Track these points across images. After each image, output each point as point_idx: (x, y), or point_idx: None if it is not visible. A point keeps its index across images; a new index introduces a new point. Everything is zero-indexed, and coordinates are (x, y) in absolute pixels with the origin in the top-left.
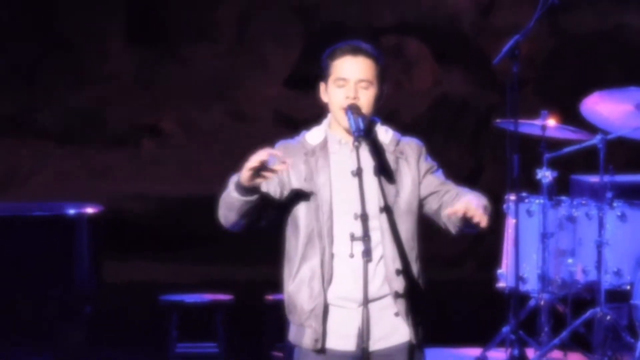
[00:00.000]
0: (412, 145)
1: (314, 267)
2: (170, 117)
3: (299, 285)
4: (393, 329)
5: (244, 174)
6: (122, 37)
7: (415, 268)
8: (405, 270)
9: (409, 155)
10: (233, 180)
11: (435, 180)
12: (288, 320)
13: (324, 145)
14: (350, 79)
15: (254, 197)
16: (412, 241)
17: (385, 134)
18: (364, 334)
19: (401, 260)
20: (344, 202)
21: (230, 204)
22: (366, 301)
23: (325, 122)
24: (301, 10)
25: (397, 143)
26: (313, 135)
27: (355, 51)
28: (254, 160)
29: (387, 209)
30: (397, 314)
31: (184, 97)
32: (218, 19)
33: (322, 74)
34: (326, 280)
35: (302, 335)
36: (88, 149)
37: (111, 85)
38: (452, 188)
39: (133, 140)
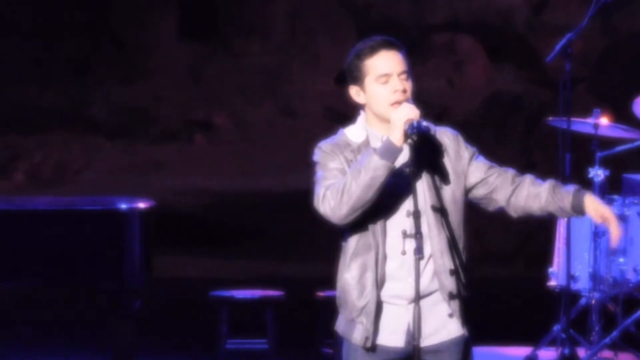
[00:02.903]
0: (448, 135)
1: (366, 264)
2: (221, 112)
3: (350, 280)
4: (442, 324)
5: (397, 133)
6: (174, 31)
7: (464, 262)
8: (457, 271)
9: (448, 146)
10: (370, 155)
11: (481, 166)
12: (338, 311)
13: (367, 143)
14: (392, 72)
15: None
16: (459, 230)
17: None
18: (414, 331)
19: (452, 258)
20: (394, 200)
21: (373, 179)
22: (418, 298)
23: (361, 120)
24: (353, 6)
25: (434, 133)
26: (354, 133)
27: (387, 45)
28: (405, 117)
29: (435, 205)
30: (451, 315)
31: (235, 92)
32: (270, 14)
33: (351, 77)
34: (379, 277)
35: (352, 330)
36: (139, 143)
37: (163, 80)
38: (499, 171)
39: (184, 135)
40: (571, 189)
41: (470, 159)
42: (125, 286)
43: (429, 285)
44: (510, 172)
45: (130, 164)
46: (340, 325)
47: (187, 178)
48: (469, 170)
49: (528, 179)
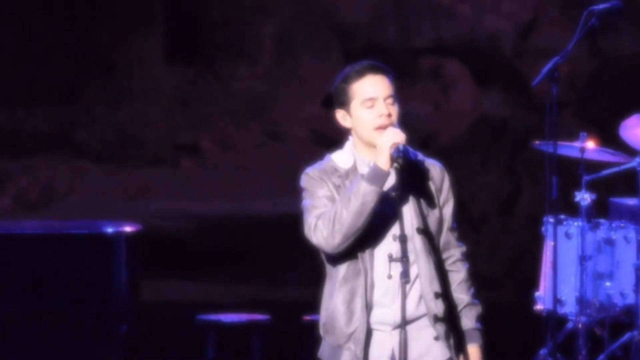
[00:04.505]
0: (436, 168)
1: (355, 290)
2: (208, 136)
3: (339, 306)
4: (427, 349)
5: (383, 158)
6: (161, 55)
7: (449, 289)
8: (443, 293)
9: (434, 177)
10: (358, 182)
11: (445, 221)
12: (322, 338)
13: (354, 168)
14: (378, 97)
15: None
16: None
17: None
18: (400, 356)
19: (439, 282)
20: (382, 224)
21: (363, 205)
22: (404, 323)
23: (349, 145)
24: (340, 30)
25: (422, 163)
26: (342, 159)
27: (374, 69)
28: (391, 141)
29: (422, 230)
30: (436, 338)
31: (222, 116)
32: (257, 37)
33: (338, 101)
34: (368, 303)
35: (338, 357)
36: (126, 167)
37: (149, 104)
38: (453, 243)
39: (171, 158)
40: (470, 324)
41: (446, 201)
42: (112, 310)
43: (415, 310)
44: (457, 253)
45: (117, 187)
46: (324, 352)
47: (174, 202)
48: (441, 211)
49: (462, 274)
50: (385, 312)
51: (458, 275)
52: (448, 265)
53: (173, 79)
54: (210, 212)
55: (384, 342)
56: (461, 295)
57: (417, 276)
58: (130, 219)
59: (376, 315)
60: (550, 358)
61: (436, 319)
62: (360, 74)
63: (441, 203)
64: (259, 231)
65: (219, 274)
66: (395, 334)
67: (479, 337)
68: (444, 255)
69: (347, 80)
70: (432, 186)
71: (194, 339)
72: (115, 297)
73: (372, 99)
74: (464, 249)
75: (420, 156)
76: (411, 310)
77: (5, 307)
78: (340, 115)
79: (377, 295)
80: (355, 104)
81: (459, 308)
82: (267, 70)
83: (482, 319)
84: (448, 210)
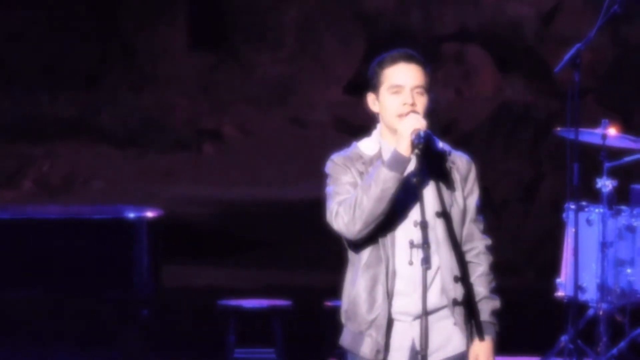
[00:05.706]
0: (462, 159)
1: (377, 277)
2: (231, 121)
3: (361, 292)
4: (448, 339)
5: (404, 144)
6: (184, 40)
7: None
8: (463, 278)
9: (459, 166)
10: (379, 168)
11: (470, 212)
12: (343, 325)
13: (379, 156)
14: (405, 85)
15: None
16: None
17: (437, 144)
18: (422, 346)
19: (459, 267)
20: (403, 210)
21: (383, 191)
22: (425, 311)
23: (376, 133)
24: (363, 17)
25: (449, 153)
26: (367, 146)
27: (408, 58)
28: (412, 127)
29: (443, 215)
30: (455, 324)
31: (245, 101)
32: (280, 24)
33: (370, 84)
34: (389, 291)
35: (360, 343)
36: (149, 152)
37: (172, 89)
38: (477, 235)
39: (194, 144)
40: (484, 316)
41: (470, 192)
42: (133, 295)
43: (435, 301)
44: (481, 245)
45: (139, 173)
46: (346, 339)
47: (196, 187)
48: (465, 201)
49: (483, 267)
50: (407, 302)
51: (479, 267)
52: (471, 257)
53: (196, 64)
54: (232, 197)
55: (405, 332)
56: (479, 288)
57: (438, 268)
58: (152, 204)
59: (397, 305)
60: (571, 345)
61: (455, 303)
62: (394, 60)
63: (465, 194)
64: (280, 216)
65: (240, 260)
66: (416, 324)
67: (492, 330)
68: (467, 247)
69: (381, 64)
70: (457, 176)
71: (215, 324)
72: (137, 282)
73: (399, 86)
74: (488, 241)
75: (448, 147)
76: (432, 301)
77: (26, 292)
78: (371, 99)
79: (399, 284)
80: (383, 89)
81: (477, 298)
82: (290, 56)
83: (500, 311)
84: (472, 201)
